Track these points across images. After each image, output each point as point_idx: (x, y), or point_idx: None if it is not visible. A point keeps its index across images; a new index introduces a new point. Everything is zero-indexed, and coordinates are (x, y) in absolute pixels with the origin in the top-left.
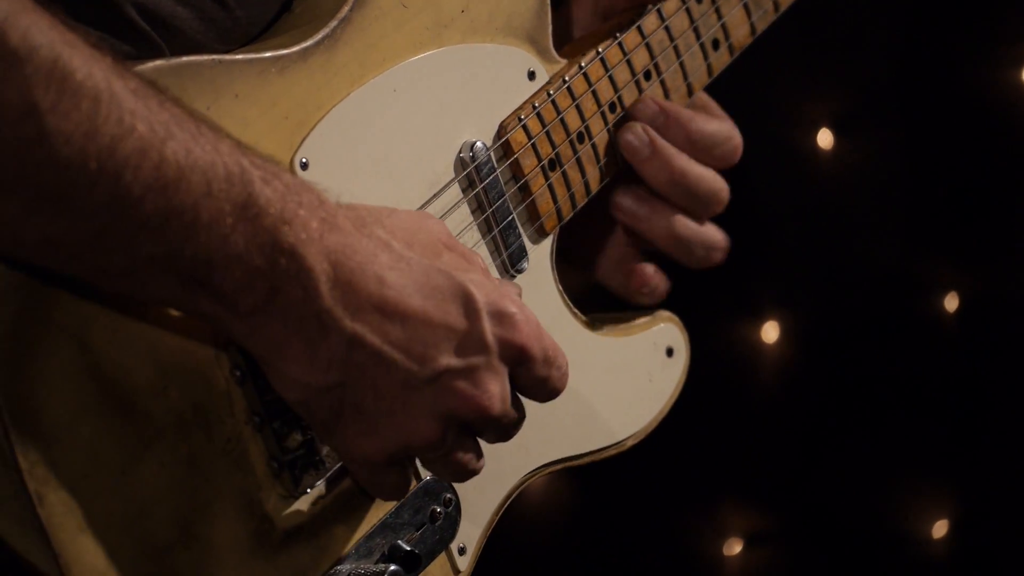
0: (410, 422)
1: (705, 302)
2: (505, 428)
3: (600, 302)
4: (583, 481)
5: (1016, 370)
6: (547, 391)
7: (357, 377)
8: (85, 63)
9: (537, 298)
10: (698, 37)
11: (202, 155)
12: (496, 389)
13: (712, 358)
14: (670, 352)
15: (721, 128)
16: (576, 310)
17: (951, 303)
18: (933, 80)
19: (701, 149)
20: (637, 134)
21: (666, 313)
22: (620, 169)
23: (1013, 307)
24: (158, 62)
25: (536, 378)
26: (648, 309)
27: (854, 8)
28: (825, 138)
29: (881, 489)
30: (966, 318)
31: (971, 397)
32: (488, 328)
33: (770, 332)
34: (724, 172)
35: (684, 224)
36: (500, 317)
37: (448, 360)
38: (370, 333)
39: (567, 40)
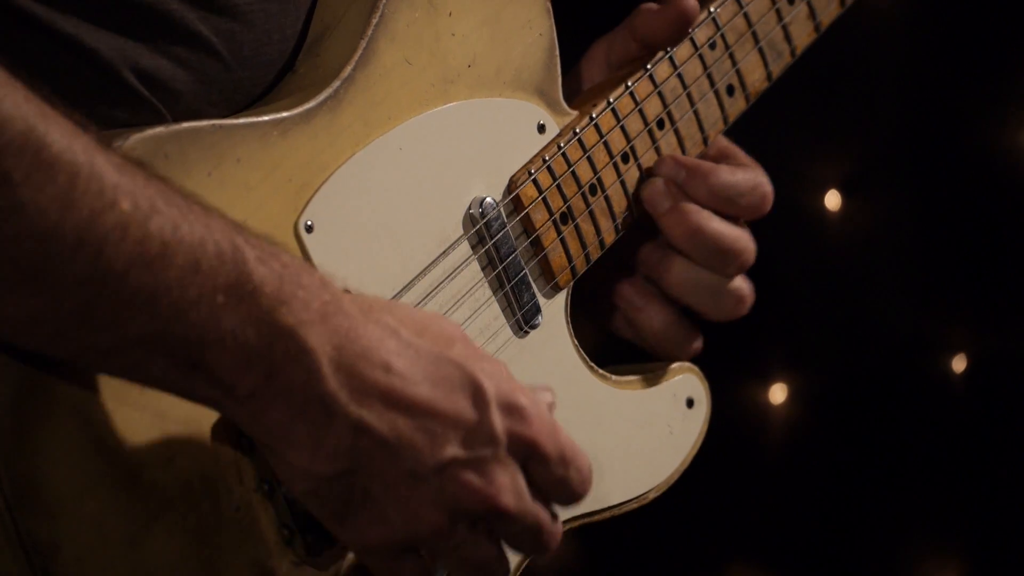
0: (417, 512)
1: (713, 363)
2: (530, 530)
3: (615, 354)
4: (585, 538)
5: (1023, 432)
6: (567, 493)
7: (365, 465)
8: (63, 136)
9: (552, 354)
10: (712, 84)
11: (190, 232)
12: (505, 482)
13: (720, 419)
14: (690, 403)
15: (746, 178)
16: (593, 364)
17: (959, 364)
18: (941, 141)
19: (725, 201)
20: (655, 189)
21: (686, 364)
22: (635, 220)
23: (1020, 368)
24: (158, 129)
25: (553, 477)
26: (665, 360)
27: (862, 69)
28: (833, 199)
29: (889, 551)
30: (974, 379)
31: (979, 458)
32: (497, 420)
33: (778, 393)
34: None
35: (707, 277)
36: (511, 409)
37: (455, 451)
38: (376, 420)
39: (578, 92)
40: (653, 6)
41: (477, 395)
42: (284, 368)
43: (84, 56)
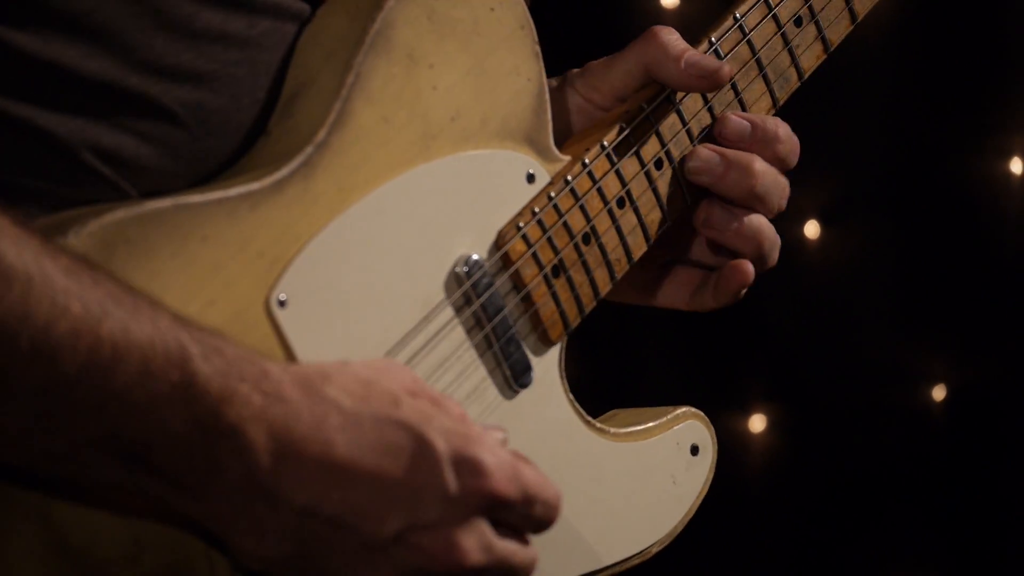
0: None
1: (692, 392)
2: (506, 573)
3: (609, 400)
4: None
5: (1002, 461)
6: (534, 527)
7: (314, 545)
8: (13, 245)
9: (546, 412)
10: (713, 118)
11: (140, 333)
12: (470, 542)
13: None
14: (695, 450)
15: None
16: (589, 418)
17: (939, 394)
18: (920, 171)
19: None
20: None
21: (690, 409)
22: (633, 262)
23: (1000, 398)
24: (118, 213)
25: (519, 518)
26: (666, 405)
27: (842, 99)
28: (812, 229)
29: None
30: (954, 409)
31: (959, 487)
32: (451, 480)
33: (757, 423)
34: None
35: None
36: (465, 464)
37: (410, 518)
38: (321, 502)
39: (569, 133)
40: (677, 52)
41: (428, 457)
42: (227, 465)
43: (40, 140)
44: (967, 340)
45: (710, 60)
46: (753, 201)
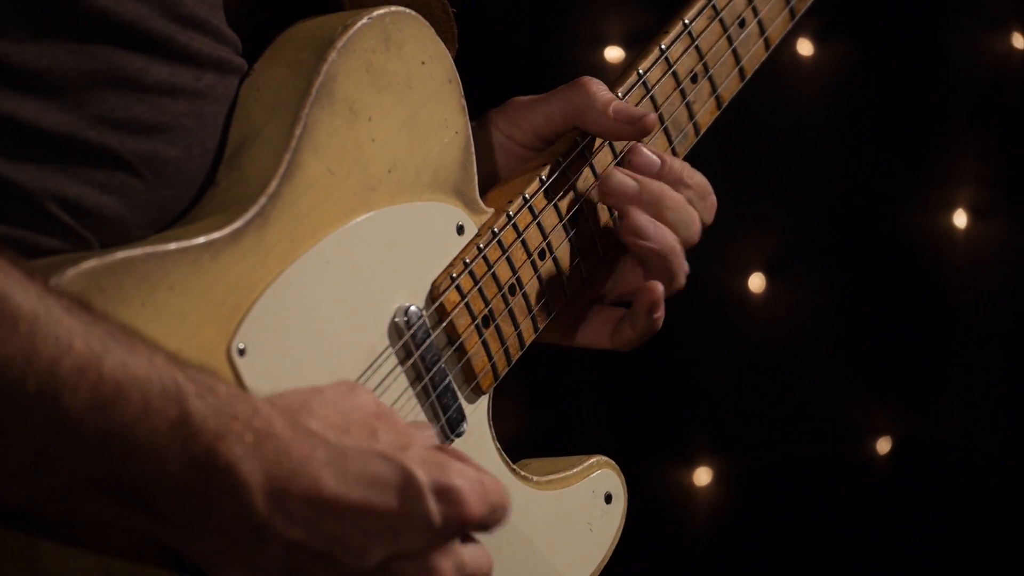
0: None
1: (637, 445)
2: None
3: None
4: None
5: (947, 513)
6: (490, 530)
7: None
8: (19, 284)
9: (477, 460)
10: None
11: (138, 370)
12: (446, 565)
13: (644, 502)
14: (608, 498)
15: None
16: (514, 467)
17: (883, 446)
18: (865, 224)
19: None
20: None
21: (603, 458)
22: (553, 313)
23: (944, 450)
24: (92, 262)
25: (482, 527)
26: (582, 454)
27: (786, 152)
28: (757, 282)
29: None
30: (898, 461)
31: (905, 539)
32: (433, 509)
33: (702, 476)
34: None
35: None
36: (445, 494)
37: (394, 547)
38: (309, 535)
39: (489, 169)
40: (604, 100)
41: (411, 488)
42: (220, 502)
43: (6, 189)
44: (912, 392)
45: (637, 108)
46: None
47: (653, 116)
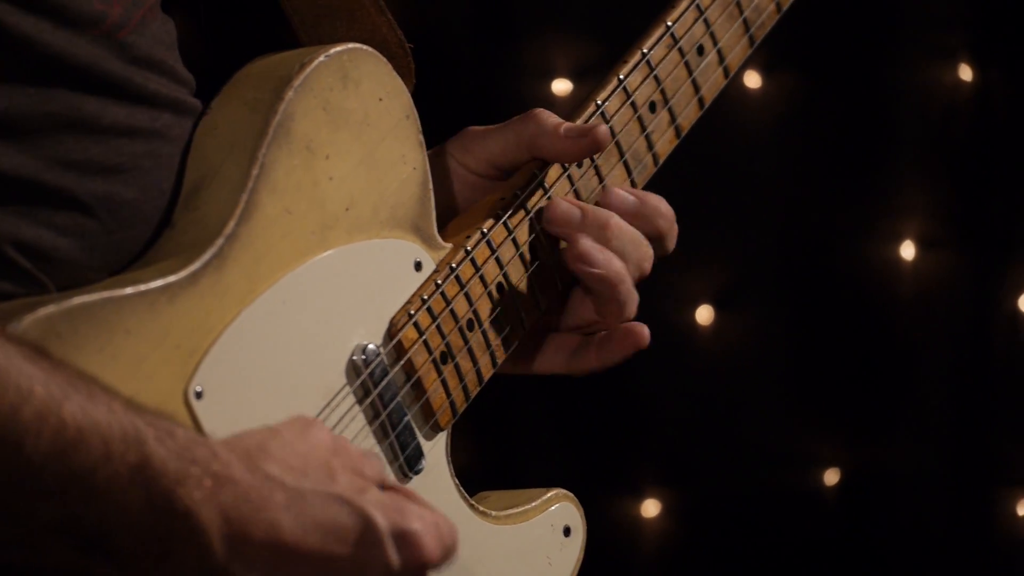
0: None
1: (585, 477)
2: None
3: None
4: None
5: (895, 545)
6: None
7: None
8: None
9: (435, 497)
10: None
11: (98, 415)
12: None
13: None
14: (567, 531)
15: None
16: (473, 502)
17: (831, 478)
18: (812, 256)
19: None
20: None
21: (561, 491)
22: (512, 348)
23: (892, 482)
24: (50, 308)
25: (435, 569)
26: (531, 485)
27: (735, 183)
28: (705, 314)
29: None
30: (846, 493)
31: (851, 571)
32: (393, 556)
33: (650, 508)
34: None
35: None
36: (404, 539)
37: None
38: None
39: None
40: (554, 125)
41: (371, 533)
42: (178, 548)
43: None
44: (859, 424)
45: (586, 124)
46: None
47: (604, 128)
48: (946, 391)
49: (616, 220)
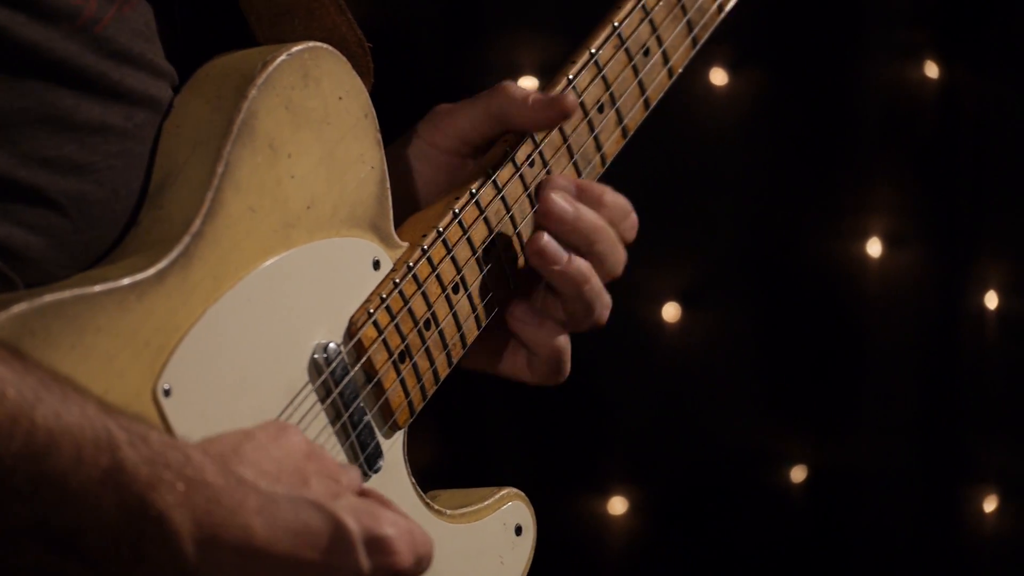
0: None
1: (552, 475)
2: None
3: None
4: None
5: (861, 542)
6: None
7: None
8: None
9: (392, 496)
10: (532, 203)
11: (71, 419)
12: None
13: (560, 532)
14: (519, 530)
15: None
16: (429, 501)
17: (798, 475)
18: (779, 253)
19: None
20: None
21: (512, 490)
22: (467, 347)
23: (858, 478)
24: (22, 306)
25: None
26: (497, 484)
27: (701, 180)
28: (672, 311)
29: None
30: (813, 490)
31: (818, 567)
32: (364, 560)
33: (617, 505)
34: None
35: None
36: (376, 544)
37: None
38: None
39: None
40: (523, 95)
41: (342, 538)
42: (151, 552)
43: None
44: (826, 421)
45: (554, 94)
46: (591, 258)
47: (572, 97)
48: (913, 388)
49: (602, 225)
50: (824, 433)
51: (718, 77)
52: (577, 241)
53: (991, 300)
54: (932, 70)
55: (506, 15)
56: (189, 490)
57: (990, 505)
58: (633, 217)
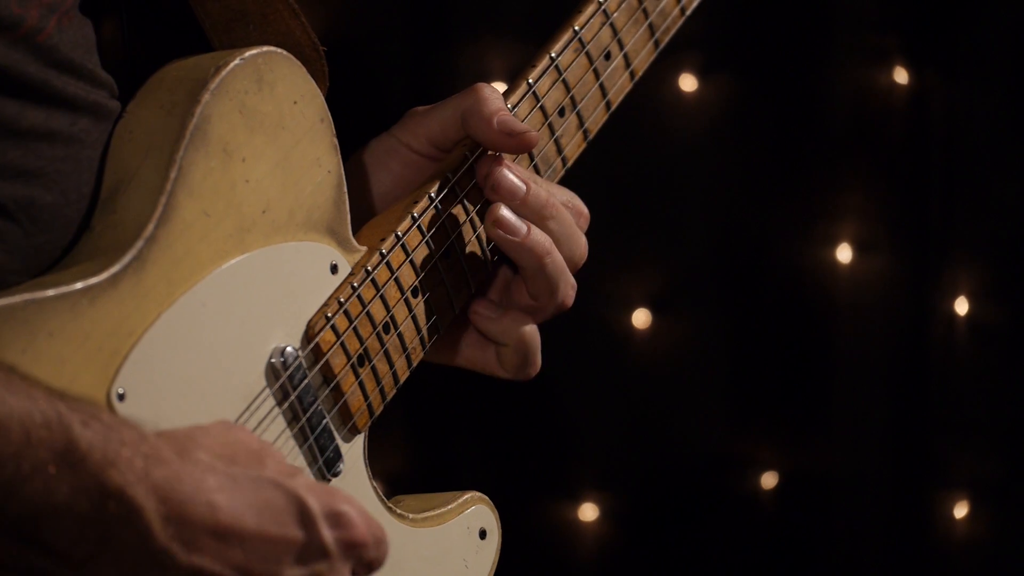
0: None
1: (522, 481)
2: None
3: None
4: None
5: (832, 548)
6: (373, 568)
7: None
8: None
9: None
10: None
11: (17, 404)
12: None
13: (530, 539)
14: (483, 534)
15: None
16: (390, 504)
17: (769, 481)
18: (749, 259)
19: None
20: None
21: (476, 494)
22: (427, 349)
23: (829, 484)
24: None
25: (370, 560)
26: (457, 490)
27: (671, 186)
28: (642, 317)
29: None
30: (784, 496)
31: (789, 574)
32: (327, 533)
33: (588, 512)
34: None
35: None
36: (336, 518)
37: (291, 572)
38: (209, 562)
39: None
40: (490, 112)
41: (304, 513)
42: (116, 531)
43: None
44: (797, 427)
45: (520, 123)
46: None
47: (535, 135)
48: (883, 394)
49: (555, 201)
50: (795, 439)
51: (687, 83)
52: (530, 215)
53: (961, 306)
54: (901, 75)
55: (475, 21)
56: (148, 467)
57: (961, 511)
58: (579, 206)
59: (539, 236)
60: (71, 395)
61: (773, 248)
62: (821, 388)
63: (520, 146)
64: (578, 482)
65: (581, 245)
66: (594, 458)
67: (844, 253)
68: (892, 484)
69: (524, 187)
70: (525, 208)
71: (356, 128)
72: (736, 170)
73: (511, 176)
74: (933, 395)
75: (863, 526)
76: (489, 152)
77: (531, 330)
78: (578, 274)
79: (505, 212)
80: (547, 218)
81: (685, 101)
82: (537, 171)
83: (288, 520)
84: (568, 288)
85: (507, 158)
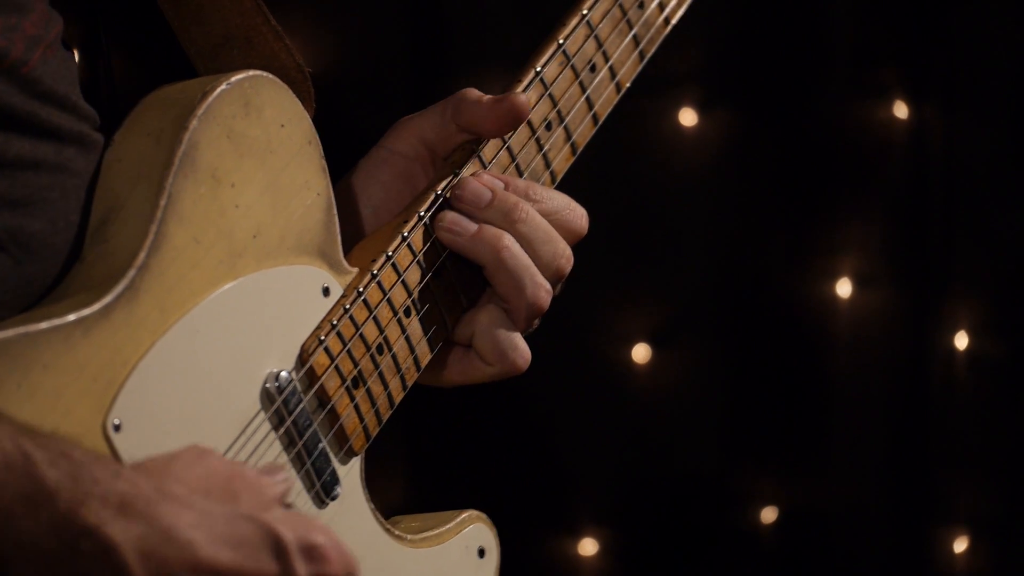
0: None
1: (522, 518)
2: None
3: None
4: None
5: None
6: None
7: None
8: None
9: (352, 523)
10: None
11: None
12: None
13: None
14: (482, 552)
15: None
16: (389, 526)
17: (769, 516)
18: (749, 293)
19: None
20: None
21: (474, 512)
22: (422, 369)
23: (829, 519)
24: None
25: None
26: (456, 509)
27: (670, 221)
28: (642, 352)
29: None
30: (784, 531)
31: None
32: (300, 567)
33: (588, 547)
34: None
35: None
36: (310, 552)
37: None
38: None
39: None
40: (477, 96)
41: (278, 547)
42: (90, 570)
43: None
44: (797, 463)
45: (502, 95)
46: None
47: (524, 97)
48: (883, 429)
49: (525, 205)
50: (795, 474)
51: (687, 118)
52: (496, 219)
53: (961, 340)
54: (901, 110)
55: (474, 51)
56: (123, 504)
57: (961, 545)
58: (577, 208)
59: (491, 231)
60: (41, 432)
61: (773, 282)
62: (821, 423)
63: (512, 110)
64: (578, 517)
65: (559, 252)
66: (594, 493)
67: (844, 287)
68: (892, 519)
69: (490, 193)
70: (491, 212)
71: (356, 158)
72: (736, 204)
73: (473, 183)
74: (933, 430)
75: (863, 561)
76: (475, 161)
77: (505, 326)
78: (578, 309)
79: (451, 214)
80: (515, 221)
81: (685, 136)
82: None
83: (263, 555)
84: (538, 288)
85: (487, 172)
